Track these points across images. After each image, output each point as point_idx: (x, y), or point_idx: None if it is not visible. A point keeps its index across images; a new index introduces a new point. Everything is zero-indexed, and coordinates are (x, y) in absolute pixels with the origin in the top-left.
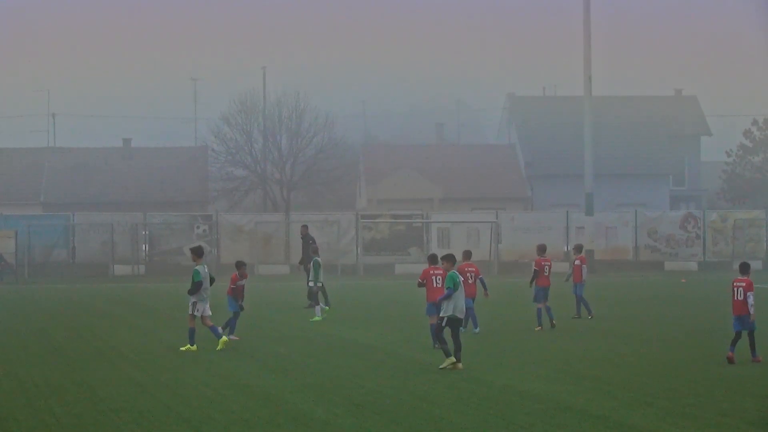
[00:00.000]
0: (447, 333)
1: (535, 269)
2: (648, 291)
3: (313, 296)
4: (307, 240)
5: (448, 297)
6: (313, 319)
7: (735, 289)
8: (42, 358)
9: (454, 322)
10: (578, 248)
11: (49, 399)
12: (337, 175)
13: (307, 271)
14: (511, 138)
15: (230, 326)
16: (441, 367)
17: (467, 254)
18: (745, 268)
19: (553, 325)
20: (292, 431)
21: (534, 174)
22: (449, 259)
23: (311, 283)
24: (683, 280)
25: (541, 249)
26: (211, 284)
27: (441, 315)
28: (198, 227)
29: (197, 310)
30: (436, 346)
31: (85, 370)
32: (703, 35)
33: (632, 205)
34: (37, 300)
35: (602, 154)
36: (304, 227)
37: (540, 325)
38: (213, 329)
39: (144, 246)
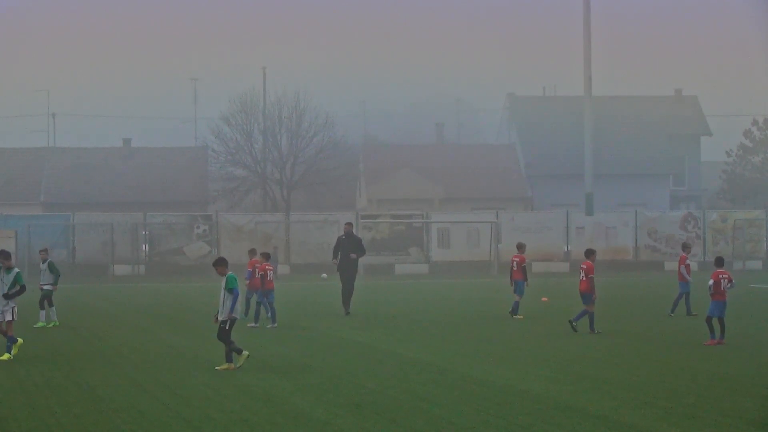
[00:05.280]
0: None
1: (524, 266)
2: (648, 291)
3: (51, 300)
4: (354, 238)
5: (236, 298)
6: (38, 325)
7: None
8: (42, 358)
9: (233, 324)
10: (688, 246)
11: (49, 399)
12: (337, 175)
13: (349, 277)
14: (511, 138)
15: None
16: (237, 365)
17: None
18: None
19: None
20: (292, 431)
21: (534, 174)
22: (223, 263)
23: (48, 287)
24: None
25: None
26: (22, 292)
27: (224, 318)
28: (198, 227)
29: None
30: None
31: (85, 370)
32: (703, 35)
33: (632, 205)
34: (38, 300)
35: (602, 154)
36: (350, 224)
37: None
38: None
39: (144, 246)
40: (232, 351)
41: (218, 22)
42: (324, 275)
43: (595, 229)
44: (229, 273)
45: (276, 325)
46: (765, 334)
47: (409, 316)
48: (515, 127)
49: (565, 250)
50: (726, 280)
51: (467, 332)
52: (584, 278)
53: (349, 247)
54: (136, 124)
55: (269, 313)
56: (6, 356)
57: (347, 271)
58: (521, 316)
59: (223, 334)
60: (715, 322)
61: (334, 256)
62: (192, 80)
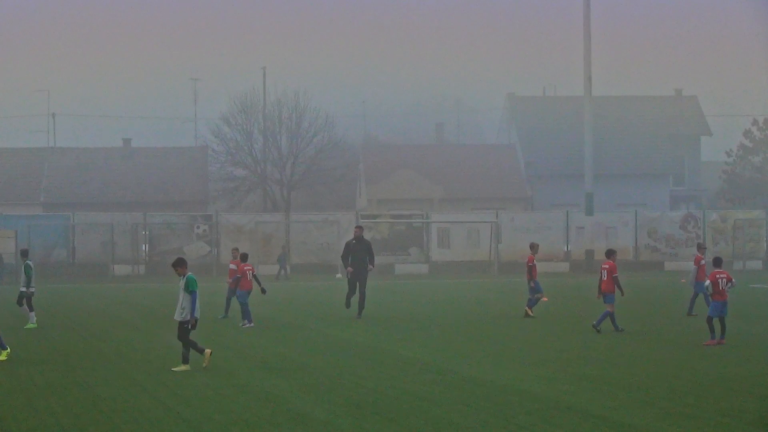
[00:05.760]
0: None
1: (530, 266)
2: (648, 291)
3: (22, 301)
4: (364, 243)
5: (195, 300)
6: (28, 326)
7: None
8: (42, 358)
9: (195, 325)
10: (702, 247)
11: (49, 399)
12: (337, 175)
13: (360, 282)
14: (511, 138)
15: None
16: (175, 369)
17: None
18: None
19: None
20: (292, 431)
21: (534, 174)
22: (182, 263)
23: (23, 288)
24: (683, 280)
25: (534, 247)
26: None
27: (183, 319)
28: (198, 227)
29: None
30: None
31: (85, 370)
32: (703, 35)
33: (632, 205)
34: (38, 300)
35: (602, 154)
36: (360, 228)
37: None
38: None
39: (144, 246)
40: (195, 350)
41: (218, 22)
42: (339, 275)
43: (595, 229)
44: (189, 274)
45: (244, 324)
46: (765, 334)
47: (409, 316)
48: (515, 127)
49: (565, 250)
50: (725, 280)
51: (467, 332)
52: (607, 278)
53: (360, 253)
54: (136, 124)
55: (227, 311)
56: (4, 354)
57: (360, 277)
58: (532, 314)
59: (184, 335)
60: (715, 322)
61: (347, 263)
62: (192, 80)
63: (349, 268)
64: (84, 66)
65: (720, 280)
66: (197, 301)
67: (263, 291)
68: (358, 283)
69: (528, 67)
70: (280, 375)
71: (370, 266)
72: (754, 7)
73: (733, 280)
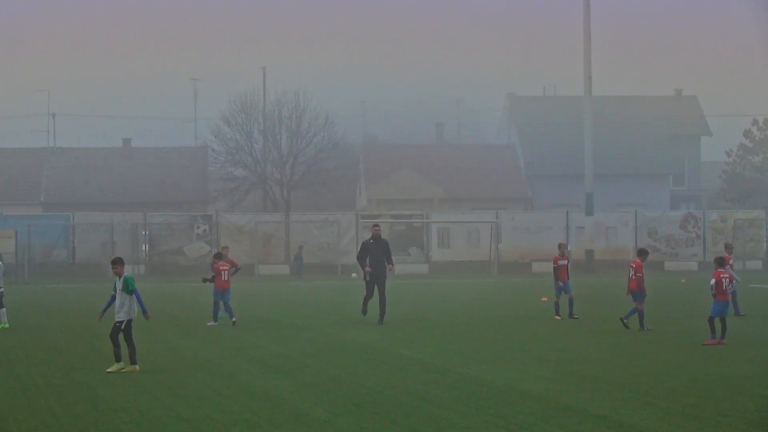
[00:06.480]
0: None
1: (554, 266)
2: (647, 291)
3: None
4: (382, 242)
5: (140, 298)
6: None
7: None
8: (42, 358)
9: (130, 324)
10: (729, 246)
11: (49, 399)
12: (337, 175)
13: (379, 284)
14: (511, 138)
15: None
16: (109, 371)
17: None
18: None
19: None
20: (292, 431)
21: (534, 174)
22: (120, 263)
23: None
24: (683, 281)
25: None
26: None
27: (123, 318)
28: (198, 227)
29: None
30: (110, 341)
31: (85, 370)
32: (703, 35)
33: (632, 205)
34: (37, 300)
35: (602, 154)
36: (378, 227)
37: (558, 315)
38: None
39: (144, 246)
40: (113, 353)
41: (218, 22)
42: (354, 275)
43: (595, 229)
44: (126, 274)
45: (235, 319)
46: (765, 334)
47: (409, 316)
48: (515, 127)
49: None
50: (727, 280)
51: (467, 332)
52: (633, 277)
53: (378, 252)
54: (136, 124)
55: (227, 311)
56: None
57: (379, 278)
58: (577, 316)
59: (114, 333)
60: (716, 321)
61: (364, 264)
62: (192, 80)
63: (368, 268)
64: (84, 66)
65: (723, 280)
66: (140, 299)
67: (204, 280)
68: (376, 286)
69: (528, 67)
70: (280, 375)
71: (390, 266)
72: (754, 7)
73: (733, 281)
